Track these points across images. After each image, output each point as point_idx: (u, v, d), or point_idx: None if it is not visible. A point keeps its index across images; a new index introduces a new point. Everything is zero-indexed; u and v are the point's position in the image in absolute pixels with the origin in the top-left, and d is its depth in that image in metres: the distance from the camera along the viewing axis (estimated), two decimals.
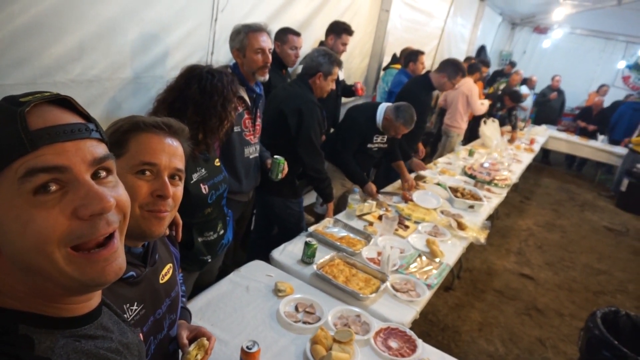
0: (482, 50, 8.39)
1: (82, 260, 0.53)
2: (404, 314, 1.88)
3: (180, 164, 0.95)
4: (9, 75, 1.72)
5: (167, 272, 1.04)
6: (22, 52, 1.73)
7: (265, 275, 2.00)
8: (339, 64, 2.62)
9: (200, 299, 1.76)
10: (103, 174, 0.56)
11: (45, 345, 0.53)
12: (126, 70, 2.19)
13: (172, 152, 0.93)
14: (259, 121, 2.34)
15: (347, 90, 3.88)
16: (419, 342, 1.69)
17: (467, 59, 6.21)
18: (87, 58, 1.98)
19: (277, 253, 2.20)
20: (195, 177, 1.59)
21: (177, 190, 0.93)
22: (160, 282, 1.01)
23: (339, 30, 3.40)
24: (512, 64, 8.15)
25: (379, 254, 2.29)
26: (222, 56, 2.60)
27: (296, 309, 1.80)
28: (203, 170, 1.64)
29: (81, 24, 1.89)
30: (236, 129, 2.18)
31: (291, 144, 2.52)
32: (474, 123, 5.72)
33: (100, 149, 0.57)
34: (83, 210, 0.52)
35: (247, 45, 2.17)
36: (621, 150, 7.13)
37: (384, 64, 4.82)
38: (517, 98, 6.65)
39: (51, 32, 1.80)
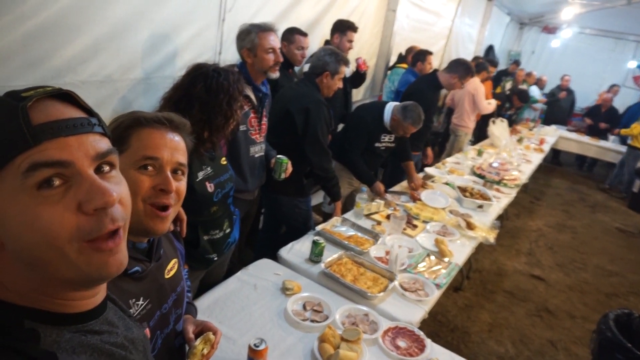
0: (490, 50, 8.34)
1: (89, 250, 0.53)
2: (413, 313, 1.86)
3: (182, 158, 0.94)
4: (20, 77, 1.74)
5: (172, 267, 1.04)
6: (33, 54, 1.75)
7: (273, 273, 2.00)
8: (346, 62, 2.62)
9: (208, 297, 1.76)
10: (106, 168, 0.56)
11: (51, 339, 0.52)
12: (136, 70, 2.21)
13: (174, 146, 0.93)
14: (264, 120, 2.34)
15: (355, 78, 3.85)
16: (428, 341, 1.67)
17: (475, 58, 6.18)
18: (98, 59, 1.99)
19: (284, 252, 2.20)
20: (200, 175, 1.59)
21: (180, 185, 0.93)
22: (166, 277, 1.01)
23: (343, 28, 3.40)
24: (517, 63, 8.09)
25: (387, 253, 2.28)
26: (231, 56, 2.61)
27: (304, 307, 1.79)
28: (209, 168, 1.64)
29: (92, 25, 1.91)
30: (242, 127, 2.18)
31: (298, 143, 2.52)
32: (483, 123, 5.68)
33: (103, 144, 0.56)
34: (87, 205, 0.52)
35: (258, 45, 2.18)
36: None
37: (391, 63, 4.82)
38: (526, 98, 6.60)
39: (62, 34, 1.82)
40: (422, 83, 3.71)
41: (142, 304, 0.91)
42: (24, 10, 1.66)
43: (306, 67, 2.76)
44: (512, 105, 6.78)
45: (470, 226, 2.78)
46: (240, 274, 1.96)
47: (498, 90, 6.72)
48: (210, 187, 1.63)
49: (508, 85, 6.93)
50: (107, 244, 0.54)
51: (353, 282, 1.95)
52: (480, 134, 5.80)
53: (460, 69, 3.51)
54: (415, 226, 2.69)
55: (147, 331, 0.89)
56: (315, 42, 3.47)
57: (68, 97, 0.56)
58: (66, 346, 0.53)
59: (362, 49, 4.31)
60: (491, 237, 2.71)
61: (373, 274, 2.06)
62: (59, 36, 1.79)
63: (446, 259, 2.34)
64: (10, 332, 0.51)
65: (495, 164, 4.27)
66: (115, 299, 0.68)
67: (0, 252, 0.51)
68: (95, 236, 0.52)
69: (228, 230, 1.82)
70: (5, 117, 0.51)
